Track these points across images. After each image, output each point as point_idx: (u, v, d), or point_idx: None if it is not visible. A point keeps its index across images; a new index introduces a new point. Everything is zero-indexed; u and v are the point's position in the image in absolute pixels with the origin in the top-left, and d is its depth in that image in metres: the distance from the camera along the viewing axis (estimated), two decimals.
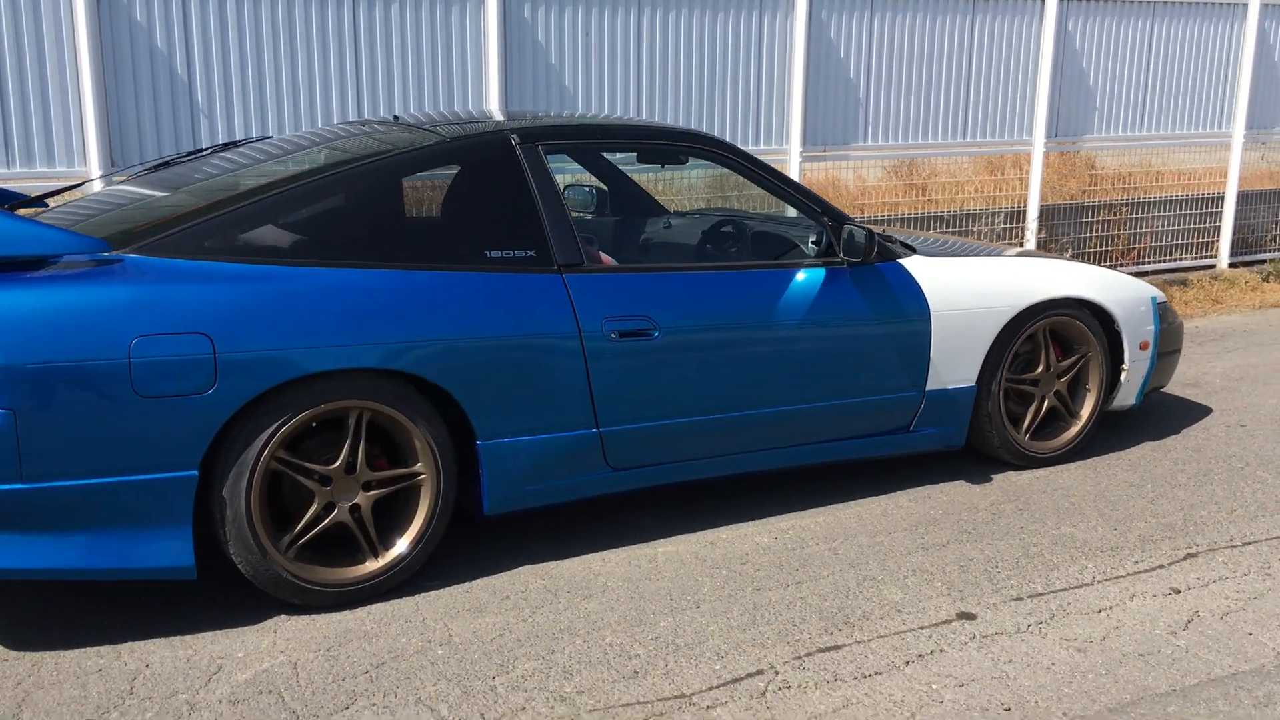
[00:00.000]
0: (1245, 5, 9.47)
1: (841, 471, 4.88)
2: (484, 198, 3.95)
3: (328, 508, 3.66)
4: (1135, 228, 9.78)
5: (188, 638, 3.52)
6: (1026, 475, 4.98)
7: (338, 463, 3.64)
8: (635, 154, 4.78)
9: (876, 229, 4.70)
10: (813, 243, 4.55)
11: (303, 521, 3.63)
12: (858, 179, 8.88)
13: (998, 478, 4.94)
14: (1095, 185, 9.77)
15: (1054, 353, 5.01)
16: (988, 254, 5.06)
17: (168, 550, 3.44)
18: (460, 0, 6.57)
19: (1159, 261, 9.70)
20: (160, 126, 6.14)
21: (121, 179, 4.73)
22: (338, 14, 6.32)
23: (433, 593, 3.83)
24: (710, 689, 3.29)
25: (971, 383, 4.76)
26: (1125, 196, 9.70)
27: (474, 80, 6.76)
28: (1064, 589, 3.94)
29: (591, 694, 3.26)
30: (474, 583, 3.91)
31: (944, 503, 4.66)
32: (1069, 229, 9.48)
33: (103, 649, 3.45)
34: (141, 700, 3.18)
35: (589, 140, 4.40)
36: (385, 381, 3.65)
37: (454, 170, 4.01)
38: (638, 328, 4.01)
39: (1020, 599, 3.86)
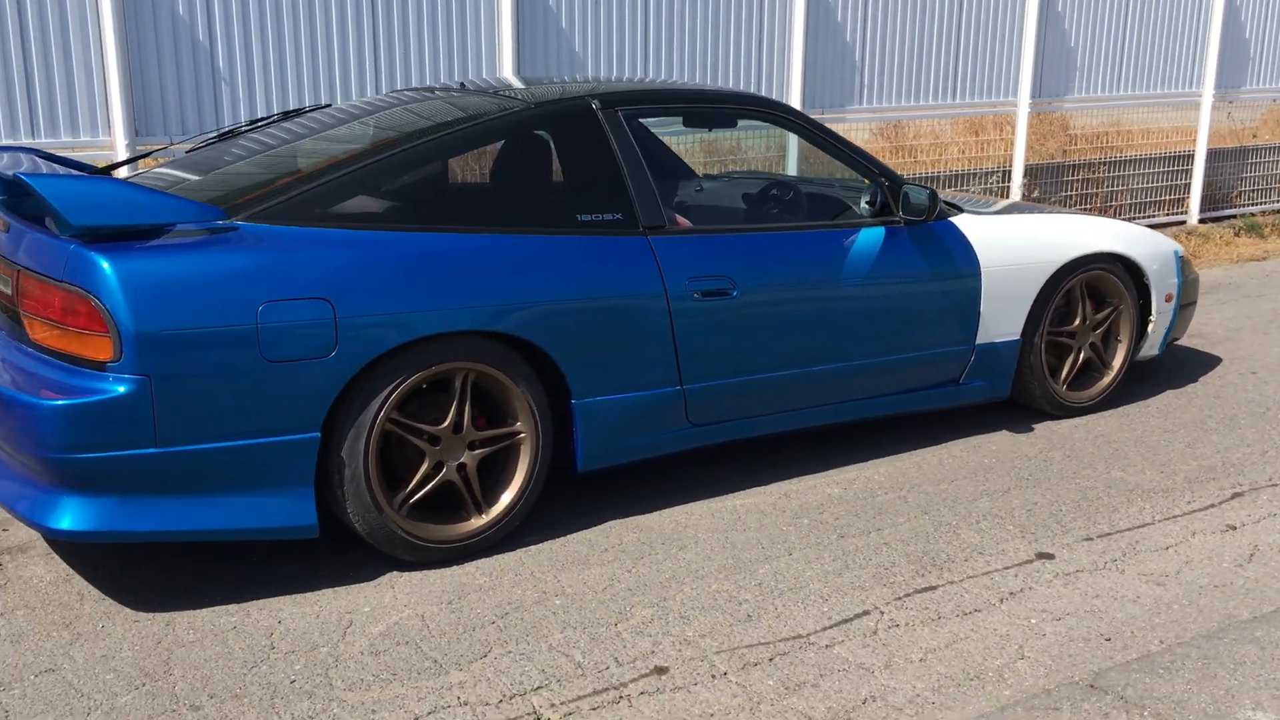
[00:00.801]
0: None
1: (889, 425, 5.05)
2: (571, 162, 4.05)
3: (437, 467, 3.76)
4: (1112, 186, 10.06)
5: (309, 595, 3.61)
6: (1065, 424, 5.19)
7: (446, 423, 3.74)
8: (703, 118, 4.88)
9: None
10: (866, 203, 4.70)
11: (414, 480, 3.72)
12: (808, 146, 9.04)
13: (1039, 427, 5.15)
14: (1073, 145, 10.02)
15: (1089, 306, 5.22)
16: (1029, 211, 5.25)
17: (293, 510, 3.53)
18: None
19: (1134, 218, 9.98)
20: (183, 94, 6.13)
21: (189, 148, 4.75)
22: None
23: (533, 547, 3.96)
24: (824, 629, 3.46)
25: (1016, 336, 4.96)
26: (1102, 156, 9.96)
27: (488, 45, 6.81)
28: (1128, 529, 4.15)
29: (712, 637, 3.41)
30: (569, 537, 4.04)
31: (995, 452, 4.85)
32: (1050, 188, 9.72)
33: (230, 608, 3.53)
34: (285, 654, 3.28)
35: (664, 105, 4.50)
36: (490, 343, 3.75)
37: (539, 135, 4.09)
38: (718, 287, 4.14)
39: (1090, 539, 4.06)
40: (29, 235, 3.51)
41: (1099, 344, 5.31)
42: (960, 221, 4.79)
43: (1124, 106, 9.82)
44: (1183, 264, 5.53)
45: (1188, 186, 10.41)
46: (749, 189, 5.22)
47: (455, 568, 3.81)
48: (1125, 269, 5.26)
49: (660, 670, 3.23)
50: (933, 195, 4.48)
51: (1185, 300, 5.62)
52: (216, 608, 3.53)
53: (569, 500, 4.30)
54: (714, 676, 3.20)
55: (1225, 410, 5.37)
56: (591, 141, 4.06)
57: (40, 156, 4.24)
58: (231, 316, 3.34)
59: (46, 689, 3.09)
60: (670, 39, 7.37)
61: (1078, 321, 5.20)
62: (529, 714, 3.03)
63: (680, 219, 4.31)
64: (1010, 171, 9.24)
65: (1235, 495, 4.44)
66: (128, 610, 3.51)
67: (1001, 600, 3.64)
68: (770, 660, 3.28)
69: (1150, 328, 5.42)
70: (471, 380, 3.77)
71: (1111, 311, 5.30)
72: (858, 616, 3.53)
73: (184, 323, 3.29)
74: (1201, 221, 10.31)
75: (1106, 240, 5.14)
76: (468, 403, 3.77)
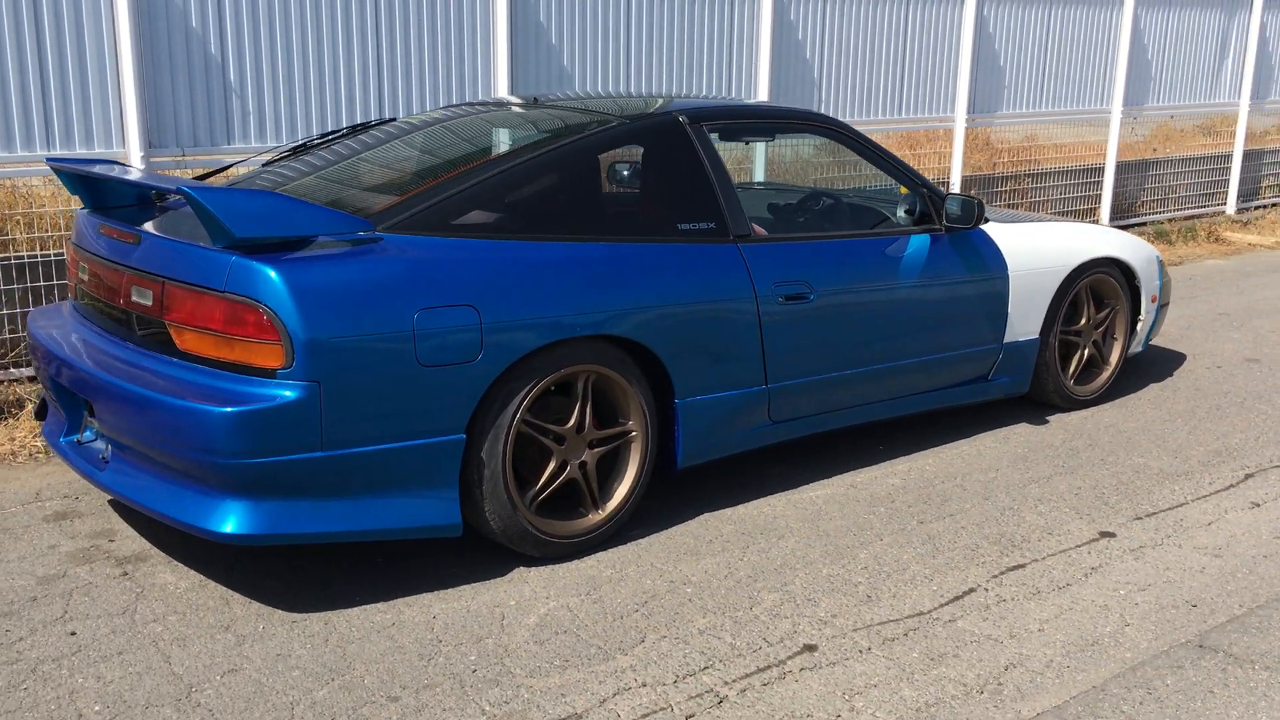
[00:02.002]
0: None
1: (920, 421, 5.38)
2: (668, 174, 4.26)
3: (562, 465, 3.93)
4: (1035, 196, 10.65)
5: (449, 592, 3.75)
6: (1075, 416, 5.60)
7: (570, 423, 3.92)
8: (767, 132, 5.14)
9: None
10: (905, 211, 5.02)
11: (543, 478, 3.89)
12: (795, 156, 9.42)
13: (1053, 419, 5.54)
14: (999, 158, 10.59)
15: (1091, 306, 5.64)
16: (1039, 220, 5.63)
17: (439, 509, 3.67)
18: None
19: None
20: (195, 107, 6.14)
21: (266, 162, 4.81)
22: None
23: (642, 540, 4.15)
24: (941, 606, 3.74)
25: (1036, 335, 5.34)
26: (1027, 168, 10.55)
27: (483, 60, 6.96)
28: (1168, 508, 4.54)
29: (843, 616, 3.66)
30: (670, 530, 4.25)
31: (1023, 443, 5.22)
32: (983, 198, 10.26)
33: (379, 605, 3.64)
34: (454, 646, 3.42)
35: (737, 120, 4.73)
36: (608, 346, 3.95)
37: (636, 149, 4.29)
38: (798, 291, 4.40)
39: (1140, 518, 4.44)
40: (172, 247, 3.57)
41: (1100, 341, 5.73)
42: (990, 229, 5.14)
43: (1047, 122, 10.42)
44: (1162, 267, 6.00)
45: (1099, 197, 11.08)
46: (789, 199, 5.49)
47: (576, 562, 3.98)
48: (1121, 272, 5.69)
49: (810, 648, 3.47)
50: (980, 204, 4.81)
51: (1163, 301, 6.09)
52: (366, 606, 3.64)
53: (657, 497, 4.49)
54: (860, 651, 3.45)
55: (1209, 401, 5.85)
56: (685, 155, 4.28)
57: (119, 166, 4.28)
58: (391, 323, 3.47)
59: (238, 687, 3.18)
60: (650, 58, 7.63)
61: (1083, 321, 5.62)
62: (707, 691, 3.23)
63: (758, 228, 4.55)
64: (949, 182, 9.72)
65: (1248, 476, 4.88)
66: (279, 611, 3.60)
67: (1086, 575, 3.97)
68: (905, 635, 3.55)
69: (1139, 326, 5.87)
70: (592, 382, 3.95)
71: (1109, 312, 5.73)
72: (966, 594, 3.82)
73: (349, 330, 3.41)
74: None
75: (1108, 246, 5.57)
76: (589, 404, 3.94)
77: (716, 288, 4.18)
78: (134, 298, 3.67)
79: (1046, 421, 5.51)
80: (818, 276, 4.47)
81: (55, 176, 6.28)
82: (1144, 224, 11.17)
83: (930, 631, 3.57)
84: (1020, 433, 5.35)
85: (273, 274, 3.34)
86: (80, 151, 5.91)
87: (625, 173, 4.29)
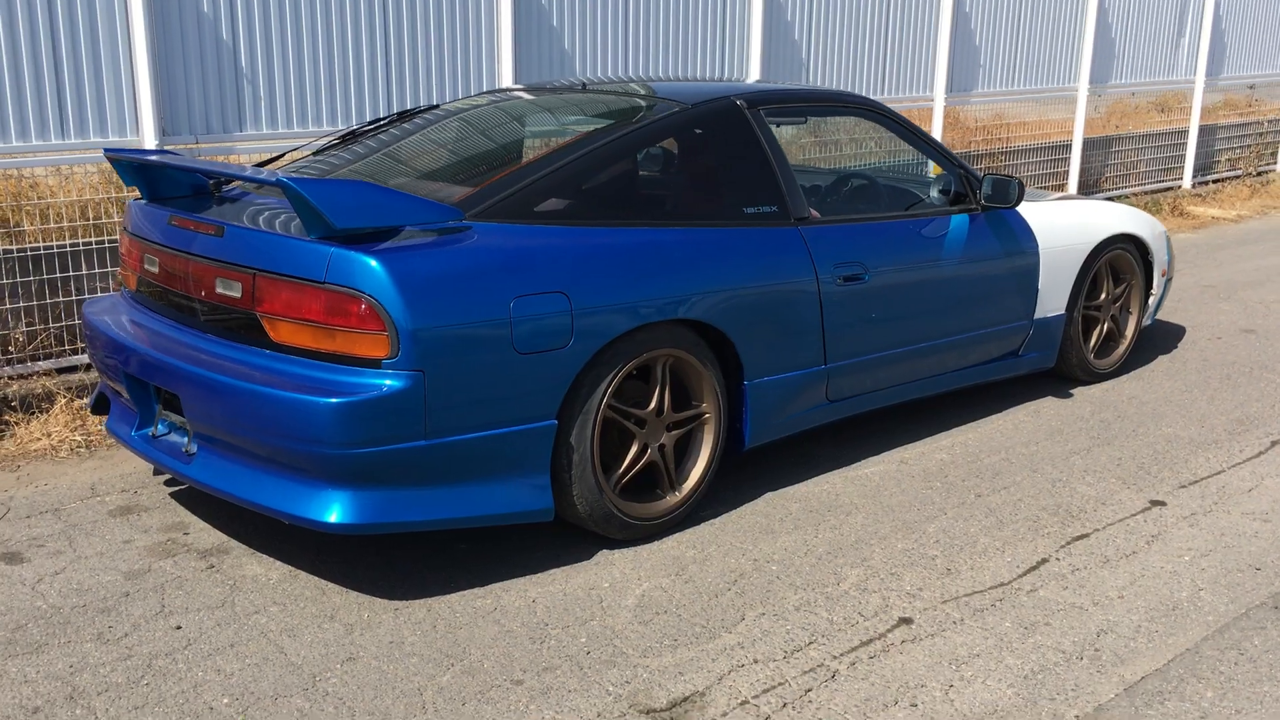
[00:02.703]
0: None
1: (950, 397, 5.49)
2: (732, 158, 4.31)
3: (643, 449, 3.98)
4: (1008, 172, 10.83)
5: (540, 576, 3.78)
6: (1096, 389, 5.75)
7: (651, 406, 3.97)
8: (815, 114, 5.20)
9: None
10: (940, 191, 5.12)
11: (626, 462, 3.93)
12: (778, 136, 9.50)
13: (1077, 393, 5.69)
14: (971, 136, 10.76)
15: (1110, 282, 5.79)
16: (1061, 198, 5.76)
17: (533, 495, 3.70)
18: None
19: None
20: (207, 94, 6.07)
21: (313, 152, 4.77)
22: None
23: (715, 521, 4.22)
24: (1019, 577, 3.85)
25: (1062, 310, 5.48)
26: (1001, 145, 10.74)
27: (488, 43, 6.94)
28: (1208, 476, 4.70)
29: (929, 590, 3.76)
30: (740, 510, 4.31)
31: (1055, 416, 5.36)
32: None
33: (476, 591, 3.67)
34: (564, 628, 3.46)
35: (788, 103, 4.78)
36: (684, 330, 3.99)
37: (700, 133, 4.33)
38: (855, 273, 4.48)
39: (1185, 486, 4.59)
40: (264, 238, 3.56)
41: (1118, 316, 5.89)
42: (1021, 207, 5.26)
43: (1020, 100, 10.61)
44: (1168, 242, 6.17)
45: (1066, 173, 11.30)
46: (823, 180, 5.56)
47: (657, 543, 4.03)
48: (1136, 248, 5.85)
49: (906, 621, 3.56)
50: (1021, 185, 4.92)
51: (1169, 275, 6.26)
52: (464, 592, 3.67)
53: (719, 478, 4.55)
54: (955, 623, 3.55)
55: (1218, 372, 6.04)
56: (746, 138, 4.33)
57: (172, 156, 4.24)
58: (489, 311, 3.49)
59: (361, 675, 3.20)
60: (646, 39, 7.66)
61: (1103, 296, 5.76)
62: (818, 666, 3.31)
63: (812, 210, 4.62)
64: (928, 161, 9.86)
65: (1274, 444, 5.05)
66: (379, 599, 3.61)
67: (1149, 543, 4.10)
68: (993, 606, 3.65)
69: (1151, 300, 6.03)
70: (669, 365, 3.99)
71: (1125, 287, 5.88)
72: (1039, 564, 3.94)
73: (451, 318, 3.42)
74: None
75: (1125, 222, 5.72)
76: (667, 387, 3.99)
77: (782, 270, 4.25)
78: (219, 289, 3.65)
79: (1071, 395, 5.66)
80: (871, 257, 4.55)
81: (62, 167, 6.20)
82: (1108, 199, 11.41)
83: (1016, 601, 3.68)
84: (1049, 406, 5.49)
85: (375, 264, 3.34)
86: (96, 139, 5.82)
87: (688, 157, 4.32)
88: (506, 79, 6.96)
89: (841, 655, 3.36)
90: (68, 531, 4.04)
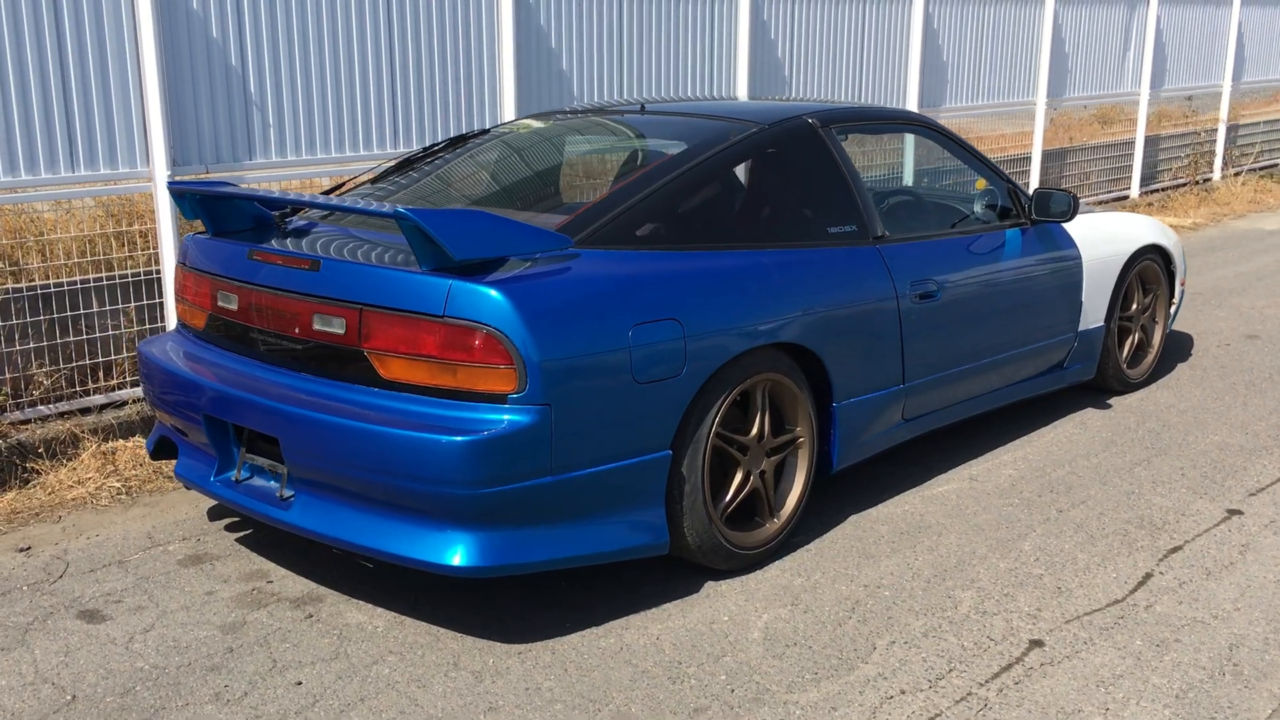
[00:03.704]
0: None
1: (991, 414, 5.47)
2: (813, 178, 4.25)
3: (746, 476, 3.89)
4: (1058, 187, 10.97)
5: (654, 611, 3.67)
6: (1131, 399, 5.79)
7: (753, 432, 3.88)
8: (878, 132, 5.16)
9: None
10: (988, 206, 5.11)
11: (731, 490, 3.84)
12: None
13: (1115, 403, 5.72)
14: (941, 151, 10.86)
15: (1140, 292, 5.84)
16: (1094, 211, 5.80)
17: (650, 529, 3.59)
18: None
19: None
20: (217, 121, 5.86)
21: (368, 179, 4.61)
22: (374, 6, 6.25)
23: (810, 546, 4.14)
24: (1131, 593, 3.83)
25: (1102, 322, 5.51)
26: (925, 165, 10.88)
27: (490, 64, 6.83)
28: (1272, 483, 4.74)
29: (1048, 610, 3.71)
30: (830, 535, 4.24)
31: (1103, 428, 5.38)
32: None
33: (594, 631, 3.55)
34: (698, 665, 3.35)
35: (855, 122, 4.72)
36: (781, 354, 3.92)
37: (777, 153, 4.26)
38: (928, 290, 4.45)
39: (1254, 494, 4.63)
40: (369, 272, 3.41)
41: (1146, 325, 5.94)
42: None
43: (984, 115, 10.74)
44: (1181, 251, 6.25)
45: (1027, 184, 11.46)
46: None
47: (759, 573, 3.94)
48: (1161, 258, 5.91)
49: (1037, 644, 3.51)
50: (1076, 198, 4.93)
51: (1183, 283, 6.34)
52: (583, 633, 3.54)
53: None
54: (1085, 643, 3.51)
55: (1241, 378, 6.12)
56: (824, 157, 4.28)
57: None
58: (611, 341, 3.38)
59: None
60: (640, 58, 7.61)
61: (1134, 306, 5.81)
62: (968, 695, 3.24)
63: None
64: (901, 176, 9.93)
65: None
66: (497, 644, 3.47)
67: (1242, 553, 4.11)
68: (1116, 624, 3.62)
69: (1172, 309, 6.10)
70: (768, 390, 3.91)
71: (1151, 297, 5.94)
72: (1146, 579, 3.92)
73: (575, 350, 3.31)
74: None
75: (1152, 234, 5.78)
76: (766, 412, 3.91)
77: (866, 290, 4.19)
78: (317, 326, 3.48)
79: (1110, 405, 5.69)
80: (941, 274, 4.52)
81: (62, 201, 5.93)
82: None
83: (1137, 619, 3.65)
84: (1094, 418, 5.51)
85: (498, 295, 3.21)
86: (106, 172, 5.57)
87: (773, 177, 4.24)
88: (509, 98, 6.84)
89: (986, 682, 3.29)
90: (142, 585, 3.83)
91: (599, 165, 4.27)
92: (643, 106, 4.72)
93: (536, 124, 4.70)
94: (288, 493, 3.57)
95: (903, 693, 3.24)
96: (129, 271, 5.70)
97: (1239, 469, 4.88)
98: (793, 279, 3.94)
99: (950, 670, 3.35)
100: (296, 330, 3.54)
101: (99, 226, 6.08)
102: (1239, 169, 14.18)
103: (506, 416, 3.22)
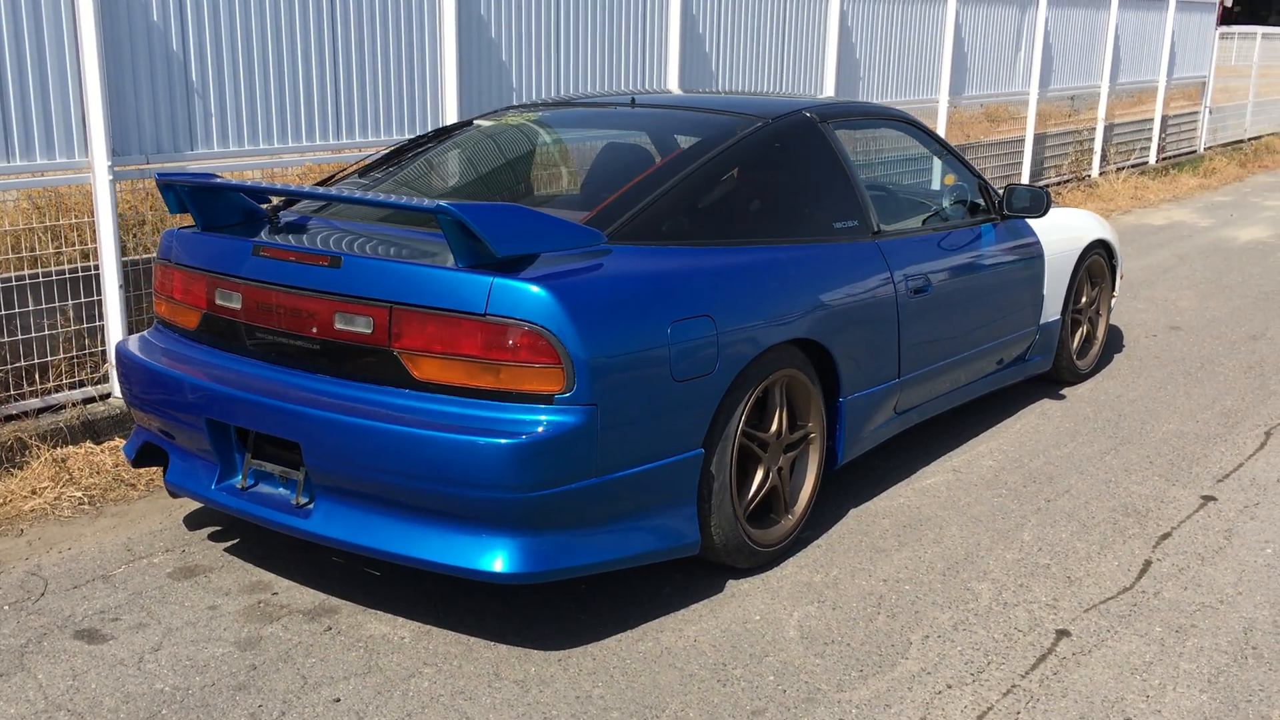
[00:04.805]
0: None
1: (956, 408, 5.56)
2: (816, 173, 4.23)
3: (766, 473, 3.86)
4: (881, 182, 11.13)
5: (684, 613, 3.61)
6: (1082, 389, 5.94)
7: (773, 429, 3.85)
8: (866, 127, 5.16)
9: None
10: (957, 201, 5.18)
11: (754, 487, 3.81)
12: None
13: (1067, 393, 5.87)
14: (851, 147, 11.01)
15: (1089, 286, 5.99)
16: None
17: (682, 529, 3.53)
18: None
19: None
20: (158, 110, 5.58)
21: (356, 171, 4.43)
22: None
23: (818, 542, 4.13)
24: (1136, 581, 3.91)
25: (1058, 315, 5.63)
26: (875, 156, 11.02)
27: (431, 56, 6.67)
28: (1233, 469, 4.91)
29: (1064, 600, 3.77)
30: (835, 530, 4.24)
31: (1063, 418, 5.50)
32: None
33: (629, 634, 3.47)
34: (744, 667, 3.30)
35: (850, 116, 4.71)
36: (798, 350, 3.90)
37: (780, 147, 4.22)
38: (921, 285, 4.48)
39: (1221, 480, 4.78)
40: (400, 269, 3.27)
41: (1092, 317, 6.10)
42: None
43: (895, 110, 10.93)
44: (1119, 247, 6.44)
45: (930, 182, 11.69)
46: None
47: (776, 570, 3.92)
48: (1106, 252, 6.08)
49: (1064, 634, 3.56)
50: (1049, 195, 5.02)
51: (1122, 276, 6.54)
52: (618, 637, 3.46)
53: None
54: (1107, 631, 3.57)
55: (1176, 368, 6.34)
56: (827, 152, 4.27)
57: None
58: (652, 338, 3.31)
59: None
60: (576, 52, 7.54)
61: (1084, 300, 5.96)
62: (1013, 687, 3.27)
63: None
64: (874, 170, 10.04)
65: (1268, 433, 5.33)
66: (534, 651, 3.37)
67: (1227, 538, 4.25)
68: (1132, 612, 3.70)
69: (1112, 302, 6.28)
70: (785, 386, 3.89)
71: (1097, 290, 6.10)
72: (1147, 565, 4.02)
73: (620, 348, 3.23)
74: None
75: (1098, 229, 5.93)
76: (784, 408, 3.89)
77: (869, 284, 4.20)
78: (339, 325, 3.33)
79: (1063, 396, 5.82)
80: (932, 269, 4.56)
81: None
82: None
83: (1149, 605, 3.73)
84: (1052, 408, 5.63)
85: (543, 292, 3.11)
86: (43, 162, 5.26)
87: (780, 172, 4.21)
88: (450, 87, 6.69)
89: (1026, 674, 3.32)
90: (136, 601, 3.62)
91: (609, 159, 4.17)
92: (633, 100, 4.64)
93: (517, 119, 4.58)
94: (304, 499, 3.41)
95: (949, 687, 3.24)
96: (64, 268, 5.39)
97: (1201, 456, 5.03)
98: (808, 274, 3.92)
99: (989, 663, 3.37)
100: (314, 330, 3.37)
101: (25, 220, 5.73)
102: (1119, 166, 14.71)
103: (554, 417, 3.12)
